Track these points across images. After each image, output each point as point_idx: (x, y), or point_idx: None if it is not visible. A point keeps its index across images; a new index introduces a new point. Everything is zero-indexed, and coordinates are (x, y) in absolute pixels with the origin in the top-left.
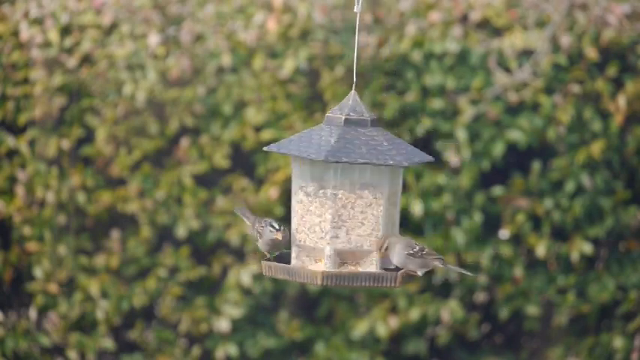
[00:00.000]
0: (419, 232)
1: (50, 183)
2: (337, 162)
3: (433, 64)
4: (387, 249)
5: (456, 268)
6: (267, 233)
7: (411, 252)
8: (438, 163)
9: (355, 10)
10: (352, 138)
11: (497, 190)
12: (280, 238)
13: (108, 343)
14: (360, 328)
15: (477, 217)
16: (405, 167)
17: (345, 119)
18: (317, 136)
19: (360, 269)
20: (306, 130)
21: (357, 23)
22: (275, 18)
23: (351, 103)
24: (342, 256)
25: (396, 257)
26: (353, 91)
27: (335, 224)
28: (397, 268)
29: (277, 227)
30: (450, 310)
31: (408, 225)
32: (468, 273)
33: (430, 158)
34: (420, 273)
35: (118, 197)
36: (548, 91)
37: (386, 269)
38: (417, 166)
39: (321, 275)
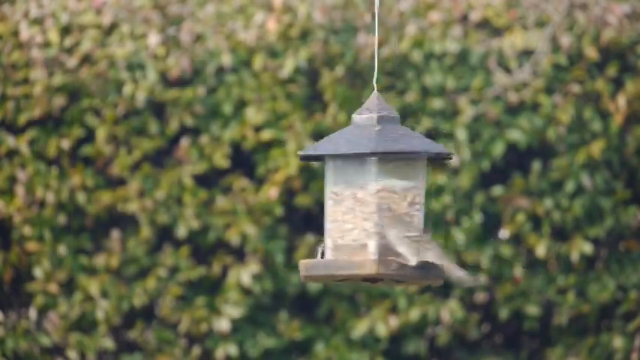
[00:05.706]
0: None
1: (50, 183)
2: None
3: (433, 64)
4: None
5: (458, 270)
6: None
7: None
8: (439, 162)
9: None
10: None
11: (497, 190)
12: None
13: (108, 343)
14: (360, 328)
15: (477, 217)
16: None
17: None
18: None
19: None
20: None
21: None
22: (275, 18)
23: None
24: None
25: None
26: (375, 91)
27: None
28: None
29: None
30: (450, 310)
31: None
32: (470, 280)
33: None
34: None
35: (118, 197)
36: (548, 91)
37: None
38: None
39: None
